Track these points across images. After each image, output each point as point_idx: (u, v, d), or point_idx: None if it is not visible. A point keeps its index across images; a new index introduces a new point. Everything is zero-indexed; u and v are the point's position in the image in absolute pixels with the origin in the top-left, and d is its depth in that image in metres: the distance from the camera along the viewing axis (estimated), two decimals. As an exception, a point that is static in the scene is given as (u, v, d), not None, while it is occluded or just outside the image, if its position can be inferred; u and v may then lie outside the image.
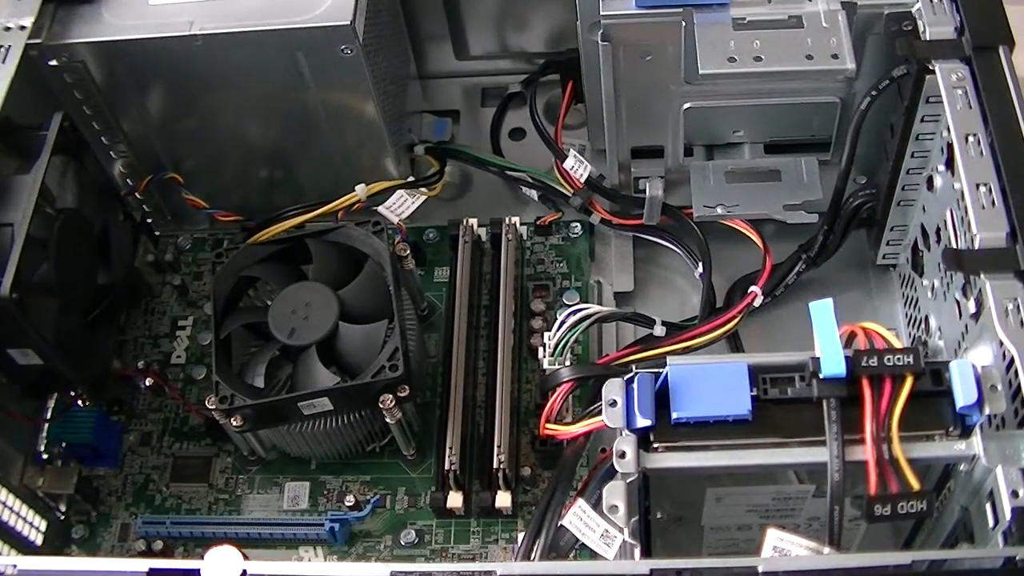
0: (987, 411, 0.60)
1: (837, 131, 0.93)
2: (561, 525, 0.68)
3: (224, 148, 0.97)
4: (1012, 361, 0.64)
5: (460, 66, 1.14)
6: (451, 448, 0.84)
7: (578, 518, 0.67)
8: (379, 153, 0.97)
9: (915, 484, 0.59)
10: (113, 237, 0.92)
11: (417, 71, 1.11)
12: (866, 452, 0.60)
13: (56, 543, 0.88)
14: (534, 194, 1.03)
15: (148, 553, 0.86)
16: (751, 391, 0.61)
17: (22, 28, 0.86)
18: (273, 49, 0.87)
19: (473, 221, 0.97)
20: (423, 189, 0.98)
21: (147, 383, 0.94)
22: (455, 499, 0.84)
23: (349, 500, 0.87)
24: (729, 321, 0.89)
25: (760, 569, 0.56)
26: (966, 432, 0.61)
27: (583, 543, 0.67)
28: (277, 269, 0.89)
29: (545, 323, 0.95)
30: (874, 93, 0.82)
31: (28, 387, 0.86)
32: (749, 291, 0.91)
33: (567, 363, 0.84)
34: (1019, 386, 0.64)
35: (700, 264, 0.96)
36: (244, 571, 0.61)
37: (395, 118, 0.98)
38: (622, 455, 0.61)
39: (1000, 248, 0.68)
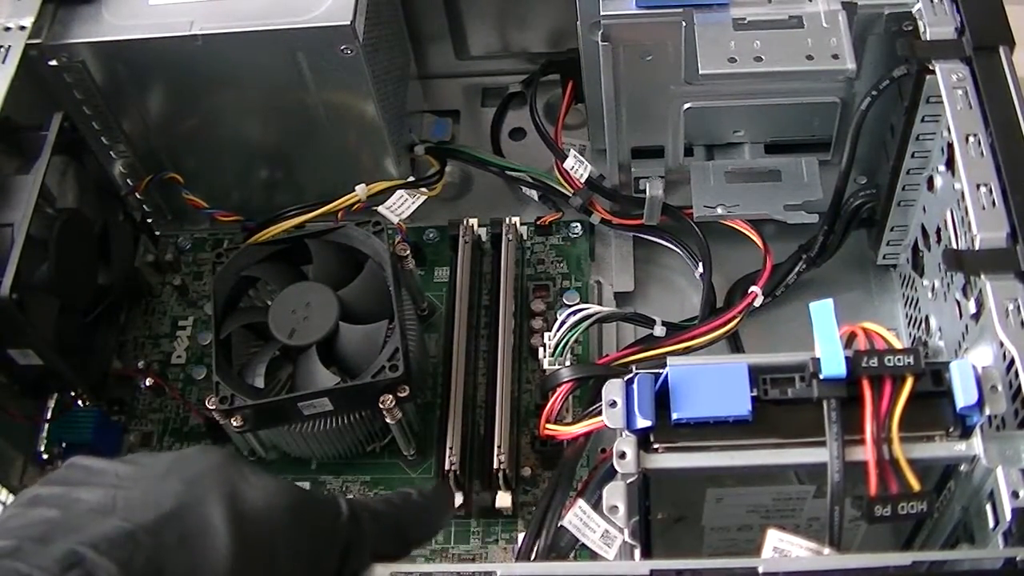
0: (987, 412, 0.60)
1: (837, 131, 0.93)
2: (561, 525, 0.68)
3: (224, 148, 0.97)
4: (1012, 362, 0.64)
5: (460, 66, 1.14)
6: (451, 448, 0.84)
7: (578, 518, 0.67)
8: (379, 153, 0.97)
9: (915, 485, 0.59)
10: (113, 237, 0.92)
11: (417, 71, 1.11)
12: (866, 453, 0.59)
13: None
14: (534, 194, 1.03)
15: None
16: (751, 391, 0.61)
17: (22, 28, 0.86)
18: (273, 49, 0.87)
19: (473, 221, 0.97)
20: (423, 189, 0.98)
21: (147, 383, 0.94)
22: (455, 499, 0.84)
23: (349, 500, 0.87)
24: (729, 321, 0.89)
25: (760, 570, 0.56)
26: (966, 433, 0.61)
27: (583, 543, 0.67)
28: (277, 269, 0.89)
29: (545, 323, 0.95)
30: (874, 93, 0.82)
31: (28, 387, 0.86)
32: (749, 291, 0.91)
33: (567, 363, 0.84)
34: (1019, 387, 0.64)
35: (700, 264, 0.96)
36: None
37: (395, 118, 0.98)
38: (622, 456, 0.61)
39: (1000, 248, 0.68)
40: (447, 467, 0.84)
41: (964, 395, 0.60)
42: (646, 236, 1.00)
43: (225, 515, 0.54)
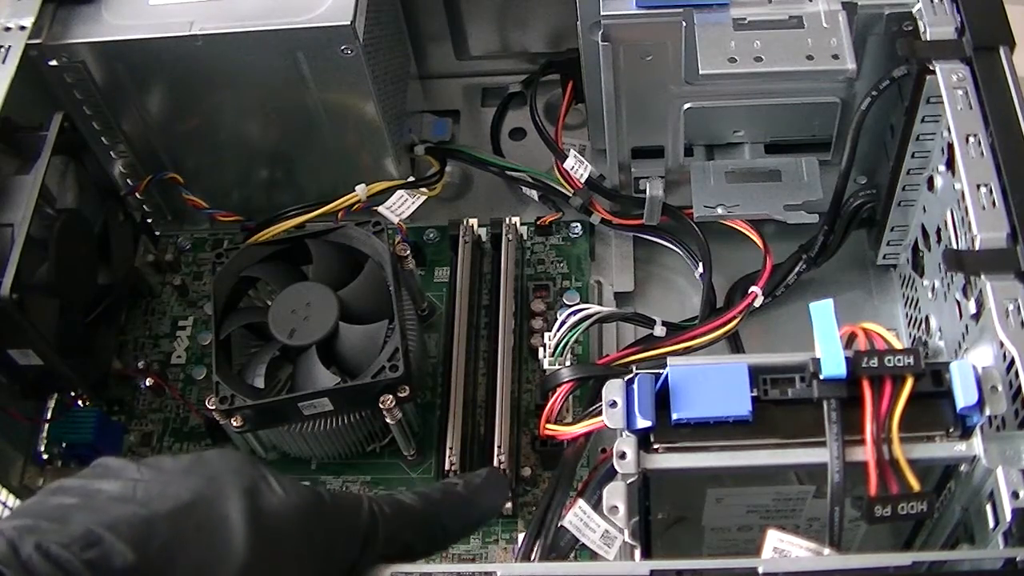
0: (987, 412, 0.60)
1: (837, 131, 0.93)
2: (561, 526, 0.68)
3: (224, 148, 0.97)
4: (1012, 362, 0.64)
5: (460, 66, 1.14)
6: (451, 448, 0.84)
7: (578, 519, 0.67)
8: (379, 153, 0.97)
9: (915, 485, 0.59)
10: (113, 237, 0.92)
11: (417, 71, 1.11)
12: (866, 453, 0.60)
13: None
14: (534, 194, 1.03)
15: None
16: (751, 392, 0.61)
17: (22, 28, 0.86)
18: (273, 49, 0.87)
19: (473, 221, 0.98)
20: (423, 189, 0.98)
21: (147, 383, 0.94)
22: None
23: (349, 500, 0.87)
24: (729, 321, 0.89)
25: (760, 570, 0.56)
26: (966, 433, 0.61)
27: (583, 544, 0.67)
28: (277, 269, 0.89)
29: (545, 323, 0.95)
30: (874, 93, 0.82)
31: (28, 387, 0.86)
32: (749, 291, 0.91)
33: (567, 363, 0.84)
34: (1019, 387, 0.64)
35: (700, 264, 0.96)
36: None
37: (395, 118, 0.98)
38: (622, 456, 0.61)
39: (1000, 249, 0.68)
40: (447, 467, 0.84)
41: (964, 395, 0.60)
42: (646, 236, 1.00)
43: (243, 510, 0.55)
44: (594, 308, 0.86)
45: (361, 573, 0.59)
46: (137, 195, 0.98)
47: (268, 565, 0.55)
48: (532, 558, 0.72)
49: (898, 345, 0.62)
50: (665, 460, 0.62)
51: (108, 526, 0.52)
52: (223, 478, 0.57)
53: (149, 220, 1.02)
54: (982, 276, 0.68)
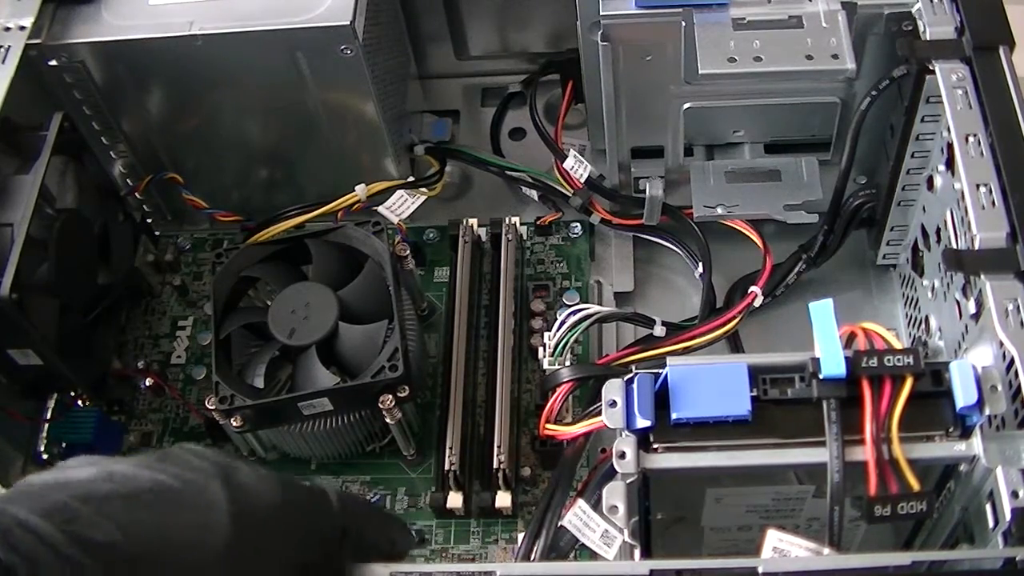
0: (987, 412, 0.60)
1: (837, 131, 0.93)
2: (561, 525, 0.68)
3: (224, 148, 0.97)
4: (1012, 362, 0.64)
5: (460, 66, 1.14)
6: (451, 448, 0.84)
7: (578, 518, 0.67)
8: (379, 153, 0.97)
9: (915, 485, 0.59)
10: (113, 237, 0.92)
11: (417, 71, 1.11)
12: (866, 453, 0.60)
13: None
14: (534, 194, 1.03)
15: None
16: (751, 391, 0.61)
17: (22, 28, 0.86)
18: (273, 49, 0.87)
19: (473, 221, 0.97)
20: (423, 189, 0.98)
21: (147, 383, 0.94)
22: (455, 499, 0.84)
23: (349, 500, 0.87)
24: (729, 321, 0.89)
25: (760, 570, 0.56)
26: (966, 433, 0.61)
27: (583, 543, 0.67)
28: (277, 269, 0.89)
29: (545, 323, 0.94)
30: (874, 93, 0.82)
31: (28, 387, 0.86)
32: (749, 291, 0.91)
33: (567, 363, 0.84)
34: (1019, 387, 0.64)
35: (700, 264, 0.96)
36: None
37: (395, 118, 0.98)
38: (622, 455, 0.61)
39: (1000, 248, 0.68)
40: (447, 467, 0.84)
41: (964, 395, 0.60)
42: (646, 236, 1.00)
43: (223, 489, 0.55)
44: (594, 308, 0.86)
45: (344, 567, 0.59)
46: (137, 195, 0.98)
47: (251, 545, 0.55)
48: (532, 558, 0.72)
49: (898, 345, 0.62)
50: (665, 460, 0.62)
51: (85, 500, 0.51)
52: (197, 463, 0.57)
53: (149, 220, 1.02)
54: (982, 276, 0.68)
